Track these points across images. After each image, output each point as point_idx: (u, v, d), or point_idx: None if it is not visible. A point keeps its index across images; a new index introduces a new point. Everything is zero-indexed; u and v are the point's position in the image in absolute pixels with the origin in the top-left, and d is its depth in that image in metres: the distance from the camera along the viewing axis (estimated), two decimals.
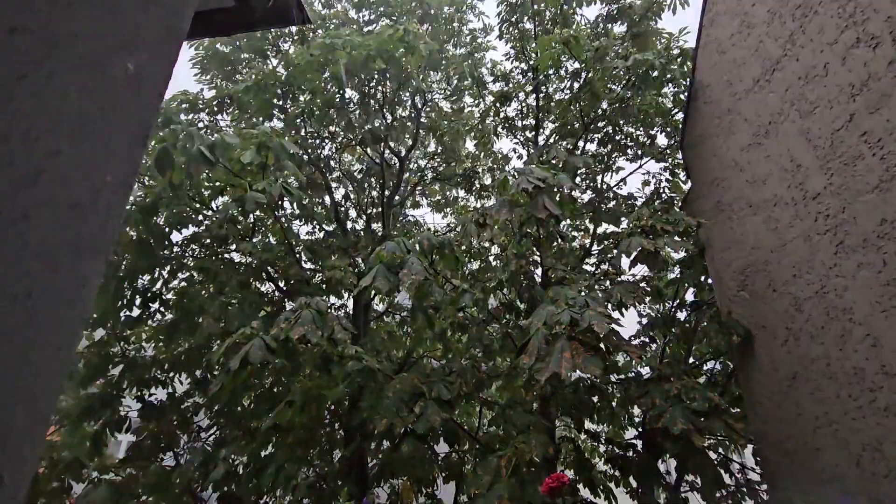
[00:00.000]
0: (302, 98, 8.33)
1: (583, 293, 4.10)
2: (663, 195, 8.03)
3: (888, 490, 3.21)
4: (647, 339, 6.65)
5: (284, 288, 7.73)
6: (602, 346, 3.72)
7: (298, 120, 8.12)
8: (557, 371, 3.45)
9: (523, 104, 8.94)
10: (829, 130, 3.88)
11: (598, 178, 8.68)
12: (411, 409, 4.54)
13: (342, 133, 8.70)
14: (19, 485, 0.46)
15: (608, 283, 5.65)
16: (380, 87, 9.21)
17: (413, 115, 11.08)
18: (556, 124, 8.40)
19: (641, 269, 6.94)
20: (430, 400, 4.61)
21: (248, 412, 7.10)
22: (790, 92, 4.28)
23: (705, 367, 7.76)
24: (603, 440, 6.45)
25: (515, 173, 4.91)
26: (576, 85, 7.51)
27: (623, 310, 4.90)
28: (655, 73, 6.41)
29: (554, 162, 5.47)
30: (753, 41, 4.80)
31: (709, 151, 5.50)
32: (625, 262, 5.52)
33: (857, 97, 3.65)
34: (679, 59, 6.68)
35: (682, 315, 6.69)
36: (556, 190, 4.82)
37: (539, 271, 6.33)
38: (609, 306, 4.48)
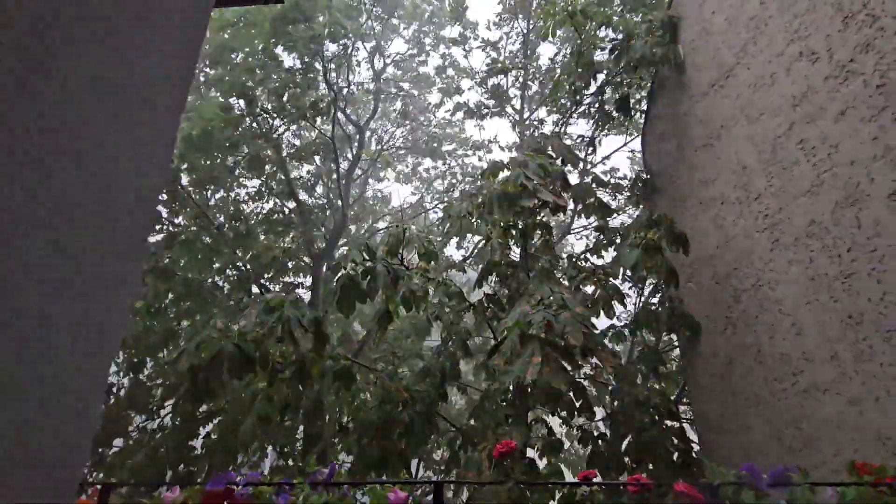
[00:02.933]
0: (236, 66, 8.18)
1: (561, 293, 4.05)
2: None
3: (803, 462, 3.62)
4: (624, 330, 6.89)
5: (241, 267, 7.69)
6: (576, 349, 3.71)
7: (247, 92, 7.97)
8: (522, 376, 3.53)
9: (518, 70, 8.98)
10: (772, 137, 4.21)
11: (583, 153, 8.87)
12: (396, 423, 4.43)
13: (288, 105, 8.50)
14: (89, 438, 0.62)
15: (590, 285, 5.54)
16: (318, 53, 8.94)
17: (372, 77, 10.89)
18: (548, 99, 8.45)
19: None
20: (415, 413, 4.52)
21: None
22: (741, 99, 4.60)
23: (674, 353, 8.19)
24: (573, 426, 6.71)
25: (510, 163, 4.89)
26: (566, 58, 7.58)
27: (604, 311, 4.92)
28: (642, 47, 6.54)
29: (550, 152, 5.45)
30: (711, 48, 5.09)
31: (667, 149, 5.82)
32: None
33: (797, 107, 3.98)
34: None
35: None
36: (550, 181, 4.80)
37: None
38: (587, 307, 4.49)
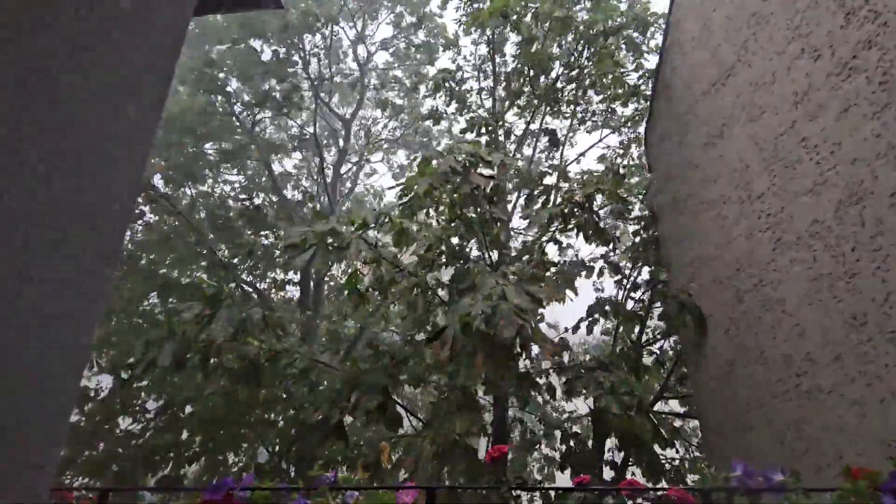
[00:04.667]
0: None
1: (504, 281, 4.04)
2: (621, 169, 8.29)
3: (805, 466, 3.58)
4: (593, 319, 6.82)
5: (231, 259, 7.68)
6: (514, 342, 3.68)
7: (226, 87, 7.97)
8: (471, 383, 3.51)
9: (478, 72, 9.02)
10: (773, 135, 4.17)
11: (557, 154, 8.87)
12: (348, 399, 4.53)
13: (263, 98, 8.41)
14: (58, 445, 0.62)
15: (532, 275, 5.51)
16: (297, 43, 8.80)
17: (357, 70, 10.74)
18: (509, 98, 8.48)
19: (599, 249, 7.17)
20: (364, 389, 4.59)
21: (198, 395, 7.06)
22: (742, 97, 4.55)
23: (656, 346, 8.17)
24: (544, 424, 6.72)
25: (442, 153, 4.84)
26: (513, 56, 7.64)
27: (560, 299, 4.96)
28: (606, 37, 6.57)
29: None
30: (712, 46, 5.05)
31: (668, 149, 5.78)
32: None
33: (799, 105, 3.93)
34: (634, 23, 6.80)
35: (638, 294, 6.99)
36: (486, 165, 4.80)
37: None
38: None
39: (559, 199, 5.35)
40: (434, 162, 4.60)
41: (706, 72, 5.10)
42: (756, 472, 1.64)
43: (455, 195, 4.65)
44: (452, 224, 5.05)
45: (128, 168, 0.78)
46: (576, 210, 5.03)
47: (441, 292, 5.72)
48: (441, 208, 5.13)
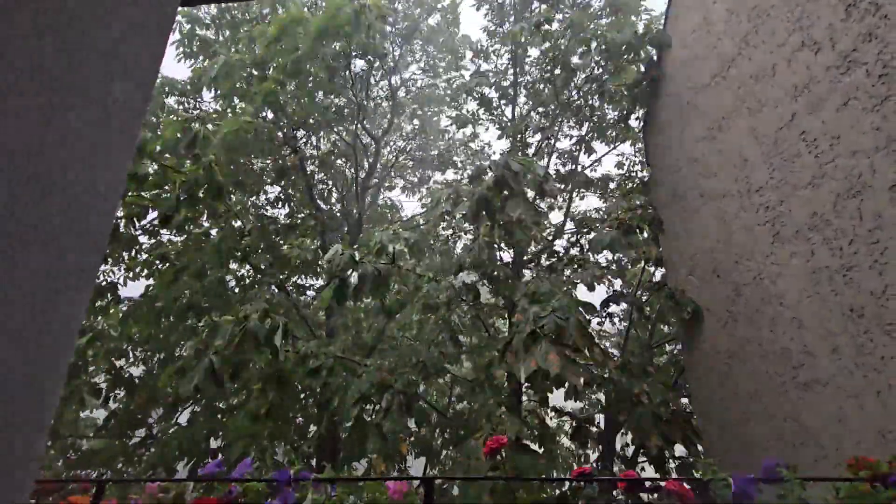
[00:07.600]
0: (271, 74, 8.24)
1: (558, 295, 4.22)
2: (636, 179, 8.35)
3: (803, 456, 3.59)
4: (608, 315, 6.92)
5: (262, 267, 7.79)
6: (583, 349, 3.93)
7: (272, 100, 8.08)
8: (544, 367, 3.68)
9: (501, 78, 9.09)
10: (773, 128, 4.16)
11: (577, 156, 8.93)
12: (378, 402, 4.67)
13: (313, 114, 8.65)
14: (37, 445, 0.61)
15: (576, 268, 5.80)
16: (348, 64, 9.11)
17: (388, 94, 11.11)
18: (532, 102, 8.57)
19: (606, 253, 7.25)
20: (397, 393, 4.72)
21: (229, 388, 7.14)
22: (742, 90, 4.54)
23: (667, 348, 8.25)
24: (563, 413, 6.78)
25: (492, 165, 4.97)
26: (546, 65, 7.71)
27: (591, 289, 5.18)
28: (626, 52, 6.56)
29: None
30: (713, 38, 5.02)
31: (668, 142, 5.76)
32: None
33: (799, 98, 3.92)
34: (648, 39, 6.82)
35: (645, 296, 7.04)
36: (529, 177, 4.92)
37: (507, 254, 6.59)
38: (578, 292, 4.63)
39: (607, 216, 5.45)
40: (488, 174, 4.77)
41: (706, 64, 5.07)
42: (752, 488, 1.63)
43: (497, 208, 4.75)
44: (493, 230, 5.21)
45: (115, 152, 0.76)
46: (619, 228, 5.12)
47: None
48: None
